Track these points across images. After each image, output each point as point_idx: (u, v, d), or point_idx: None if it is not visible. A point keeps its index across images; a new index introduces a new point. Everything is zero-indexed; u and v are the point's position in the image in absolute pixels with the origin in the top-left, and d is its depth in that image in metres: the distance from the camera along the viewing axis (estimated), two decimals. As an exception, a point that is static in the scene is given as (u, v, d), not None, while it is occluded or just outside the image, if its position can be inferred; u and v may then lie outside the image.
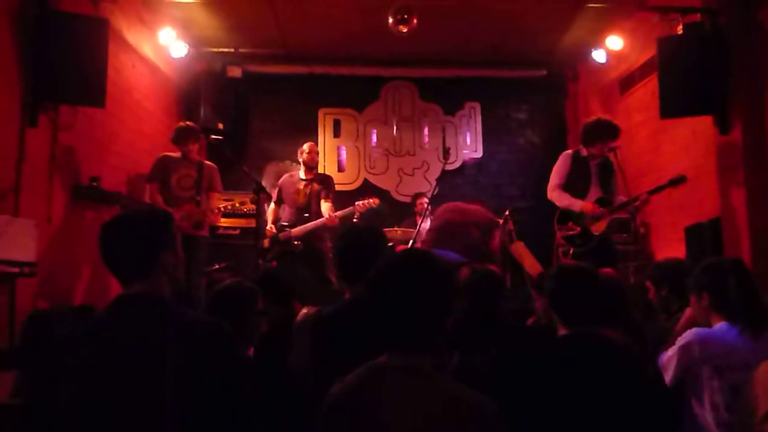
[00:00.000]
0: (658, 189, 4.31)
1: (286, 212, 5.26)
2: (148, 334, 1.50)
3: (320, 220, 5.04)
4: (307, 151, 5.30)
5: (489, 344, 2.32)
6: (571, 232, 4.44)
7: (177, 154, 4.82)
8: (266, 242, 5.17)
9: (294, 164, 6.94)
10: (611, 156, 4.51)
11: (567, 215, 4.51)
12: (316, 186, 5.23)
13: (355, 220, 5.22)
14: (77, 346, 1.54)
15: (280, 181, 5.46)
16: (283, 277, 3.00)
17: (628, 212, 4.75)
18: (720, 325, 2.27)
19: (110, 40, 4.33)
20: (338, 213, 5.07)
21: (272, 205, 5.36)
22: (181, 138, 4.79)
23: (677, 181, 4.23)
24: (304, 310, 2.54)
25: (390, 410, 1.32)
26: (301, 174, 5.30)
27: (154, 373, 1.44)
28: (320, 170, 6.89)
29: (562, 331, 2.05)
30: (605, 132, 4.45)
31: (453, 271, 1.51)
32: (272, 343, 2.52)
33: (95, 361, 1.49)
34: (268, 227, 5.24)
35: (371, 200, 5.22)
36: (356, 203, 5.19)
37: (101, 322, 1.63)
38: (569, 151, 4.71)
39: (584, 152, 4.54)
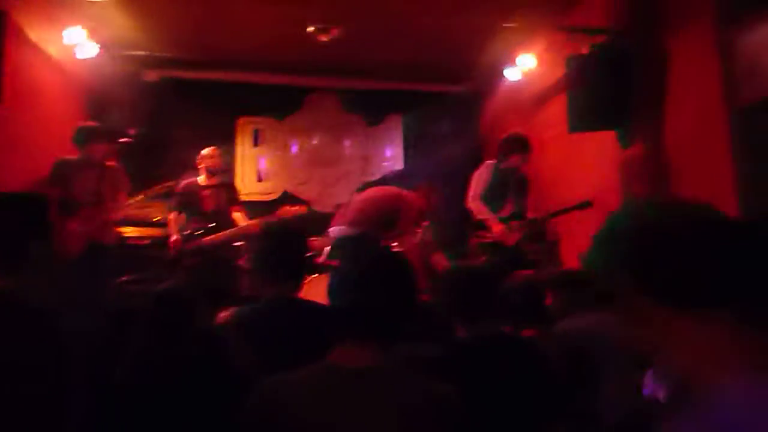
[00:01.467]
0: (563, 211, 4.66)
1: (190, 220, 5.05)
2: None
3: (239, 226, 4.89)
4: (209, 155, 5.14)
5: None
6: (485, 240, 4.66)
7: (76, 157, 4.54)
8: (172, 253, 4.96)
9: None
10: (524, 169, 4.73)
11: (482, 225, 4.76)
12: (223, 193, 5.08)
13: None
14: None
15: (179, 187, 5.22)
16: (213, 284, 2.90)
17: (537, 225, 4.99)
18: None
19: (11, 36, 4.08)
20: (262, 219, 4.93)
21: (173, 214, 5.12)
22: (82, 138, 4.51)
23: (582, 206, 4.62)
24: (220, 315, 2.45)
25: (345, 411, 1.30)
26: (201, 180, 5.13)
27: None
28: (238, 181, 6.78)
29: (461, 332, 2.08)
30: (520, 145, 4.79)
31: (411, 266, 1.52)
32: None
33: None
34: (173, 237, 5.00)
35: (299, 207, 5.14)
36: (283, 208, 5.10)
37: None
38: (490, 162, 4.95)
39: (502, 165, 4.80)
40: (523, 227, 4.71)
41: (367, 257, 1.48)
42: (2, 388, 1.27)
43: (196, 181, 5.18)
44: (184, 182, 5.27)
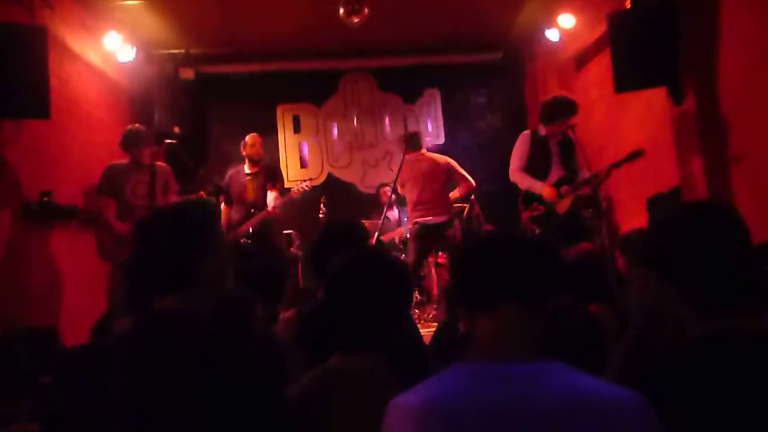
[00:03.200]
0: (618, 163, 4.31)
1: (235, 211, 5.07)
2: (175, 361, 1.29)
3: (261, 212, 4.91)
4: (250, 143, 5.14)
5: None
6: (536, 212, 4.47)
7: (126, 161, 4.63)
8: None
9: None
10: (570, 133, 4.50)
11: (531, 196, 4.53)
12: (262, 179, 5.08)
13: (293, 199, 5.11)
14: (92, 365, 1.40)
15: (225, 179, 5.24)
16: (274, 277, 2.90)
17: (590, 188, 4.77)
18: None
19: (52, 50, 4.16)
20: (276, 203, 4.94)
21: (222, 206, 5.14)
22: (129, 142, 4.58)
23: (635, 155, 4.22)
24: (284, 315, 2.47)
25: (345, 414, 1.28)
26: (246, 169, 5.15)
27: (178, 407, 1.27)
28: (282, 167, 6.83)
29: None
30: (563, 109, 4.45)
31: (400, 267, 1.47)
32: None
33: (116, 384, 1.32)
34: None
35: (305, 183, 5.13)
36: (292, 189, 5.11)
37: (124, 342, 1.41)
38: (527, 132, 4.71)
39: (543, 131, 4.54)
40: (574, 190, 4.46)
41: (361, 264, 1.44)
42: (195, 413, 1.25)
43: (241, 170, 5.19)
44: (228, 173, 5.31)
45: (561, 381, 1.05)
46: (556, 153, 4.50)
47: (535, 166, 4.53)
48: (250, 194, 5.04)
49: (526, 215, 4.56)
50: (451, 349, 2.06)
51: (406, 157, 5.09)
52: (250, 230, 4.93)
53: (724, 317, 1.21)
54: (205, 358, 1.28)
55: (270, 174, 5.17)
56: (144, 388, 1.28)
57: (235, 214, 5.07)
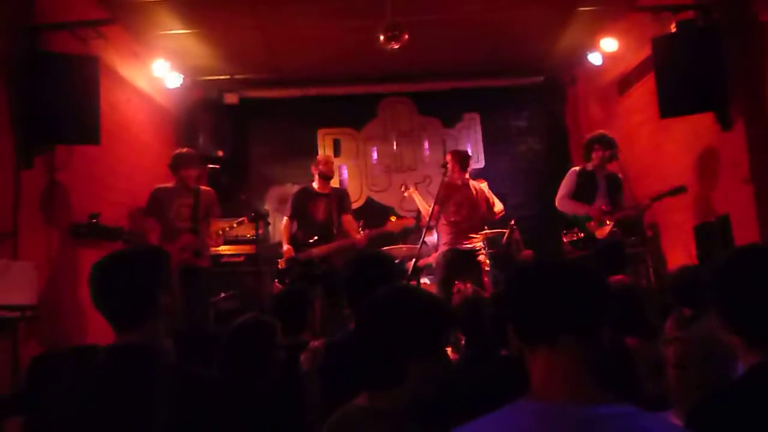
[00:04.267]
0: (659, 197, 4.62)
1: (304, 229, 5.03)
2: (138, 393, 1.40)
3: (348, 239, 4.88)
4: (323, 161, 5.18)
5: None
6: (575, 237, 4.71)
7: (171, 184, 4.76)
8: (282, 263, 4.96)
9: (296, 186, 6.96)
10: (616, 168, 4.86)
11: (573, 222, 4.78)
12: (335, 200, 5.07)
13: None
14: (65, 400, 1.48)
15: (293, 194, 5.24)
16: (295, 305, 2.94)
17: (634, 214, 4.81)
18: None
19: (103, 76, 4.33)
20: (370, 233, 4.90)
21: (284, 220, 5.14)
22: (178, 164, 4.71)
23: (677, 191, 4.55)
24: (314, 344, 2.47)
25: None
26: (316, 187, 5.14)
27: None
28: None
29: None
30: (597, 142, 4.86)
31: (436, 306, 1.44)
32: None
33: (84, 419, 1.41)
34: (285, 247, 4.99)
35: (407, 220, 5.12)
36: (390, 221, 5.09)
37: (91, 378, 1.52)
38: (576, 168, 5.01)
39: (589, 167, 4.88)
40: (615, 219, 4.62)
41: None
42: None
43: (309, 188, 5.18)
44: (298, 187, 5.31)
45: (634, 427, 1.01)
46: (603, 186, 4.82)
47: (580, 198, 4.82)
48: (322, 213, 5.02)
49: (567, 239, 4.78)
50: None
51: (447, 179, 5.11)
52: (327, 253, 4.88)
53: None
54: (164, 389, 1.35)
55: (342, 198, 5.16)
56: (104, 421, 1.34)
57: (303, 232, 5.03)
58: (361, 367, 1.39)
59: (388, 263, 2.27)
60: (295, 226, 5.11)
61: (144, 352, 1.47)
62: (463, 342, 3.01)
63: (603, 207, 4.72)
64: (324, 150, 7.18)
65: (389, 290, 1.49)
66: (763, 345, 1.35)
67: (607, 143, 4.82)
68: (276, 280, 4.98)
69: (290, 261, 4.93)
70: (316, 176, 5.16)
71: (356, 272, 2.21)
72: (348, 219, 5.05)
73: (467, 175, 5.21)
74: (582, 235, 4.73)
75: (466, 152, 5.60)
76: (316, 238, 4.93)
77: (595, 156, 4.81)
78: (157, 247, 2.34)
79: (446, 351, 1.55)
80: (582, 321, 1.10)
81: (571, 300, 1.10)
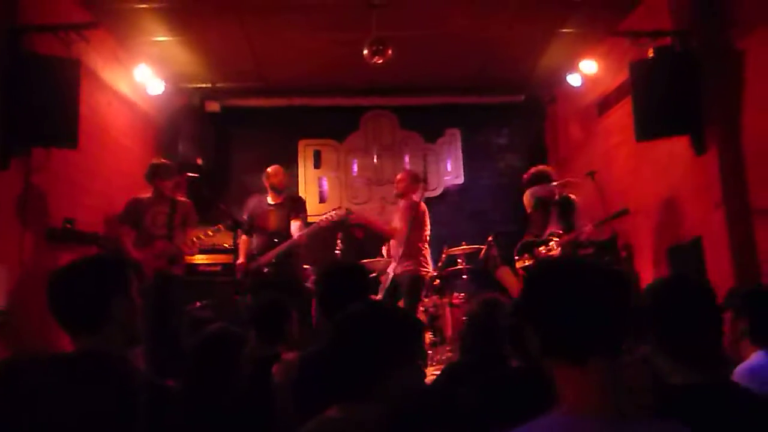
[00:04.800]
0: (603, 221, 4.85)
1: (256, 241, 5.12)
2: (92, 401, 1.40)
3: (288, 241, 4.94)
4: (273, 173, 5.25)
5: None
6: (527, 263, 4.97)
7: (148, 194, 4.76)
8: (238, 275, 5.03)
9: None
10: (592, 187, 5.08)
11: (524, 248, 5.07)
12: (286, 209, 5.12)
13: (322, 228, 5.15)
14: (20, 408, 1.46)
15: (248, 209, 5.32)
16: (272, 315, 2.91)
17: (608, 236, 4.99)
18: (757, 356, 2.12)
19: (85, 80, 4.30)
20: (304, 231, 4.97)
21: (243, 237, 5.20)
22: (153, 175, 4.74)
23: (620, 214, 4.82)
24: (286, 357, 2.45)
25: None
26: (269, 199, 5.22)
27: None
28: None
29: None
30: (541, 179, 5.21)
31: (408, 319, 1.47)
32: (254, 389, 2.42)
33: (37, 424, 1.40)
34: (239, 260, 5.08)
35: (334, 212, 5.17)
36: (321, 217, 5.15)
37: (44, 387, 1.50)
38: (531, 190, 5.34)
39: (540, 193, 5.23)
40: (561, 243, 4.90)
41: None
42: None
43: (263, 200, 5.26)
44: (252, 203, 5.37)
45: None
46: (554, 213, 5.11)
47: (535, 224, 5.20)
48: (273, 223, 5.08)
49: (518, 265, 5.08)
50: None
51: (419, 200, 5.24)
52: (273, 260, 4.94)
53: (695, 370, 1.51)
54: (121, 395, 1.35)
55: (293, 204, 5.22)
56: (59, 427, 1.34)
57: (256, 244, 5.11)
58: (335, 378, 1.40)
59: (360, 275, 2.28)
60: (252, 241, 5.20)
61: (99, 359, 1.48)
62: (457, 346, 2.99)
63: (556, 230, 5.00)
64: (305, 161, 7.19)
65: (363, 304, 1.51)
66: (686, 365, 1.54)
67: (545, 179, 5.19)
68: (236, 294, 5.01)
69: (243, 273, 5.04)
70: (268, 188, 5.25)
71: (329, 285, 2.22)
72: (296, 224, 5.07)
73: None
74: (532, 261, 4.93)
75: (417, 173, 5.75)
76: (263, 247, 5.03)
77: (540, 189, 5.14)
78: (120, 257, 2.32)
79: (418, 363, 1.56)
80: (614, 341, 1.10)
81: (603, 319, 1.08)
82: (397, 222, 5.35)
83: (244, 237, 5.22)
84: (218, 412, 2.02)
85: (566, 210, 5.03)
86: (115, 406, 1.36)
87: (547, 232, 4.97)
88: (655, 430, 1.04)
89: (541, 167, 5.42)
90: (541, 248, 4.92)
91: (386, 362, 1.37)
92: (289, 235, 5.05)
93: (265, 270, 4.96)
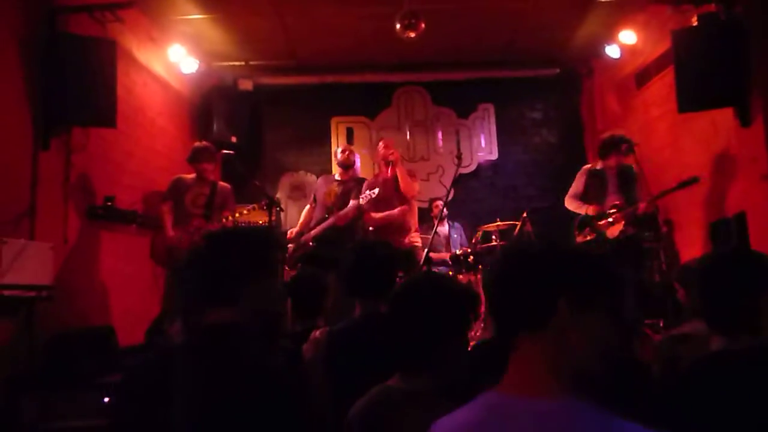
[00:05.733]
0: (668, 191, 4.59)
1: (315, 214, 5.10)
2: (230, 375, 1.34)
3: (328, 220, 4.91)
4: (340, 151, 5.23)
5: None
6: (588, 238, 4.70)
7: (192, 175, 4.85)
8: (290, 247, 5.02)
9: (309, 174, 6.96)
10: (632, 161, 4.75)
11: (585, 222, 4.78)
12: (348, 186, 5.06)
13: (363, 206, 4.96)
14: (157, 373, 1.42)
15: (317, 183, 5.37)
16: (309, 289, 2.90)
17: (650, 210, 4.75)
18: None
19: (120, 60, 4.36)
20: (342, 211, 4.85)
21: (306, 207, 5.25)
22: (196, 158, 4.82)
23: (689, 182, 4.37)
24: (315, 334, 2.46)
25: None
26: (336, 176, 5.22)
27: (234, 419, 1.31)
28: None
29: None
30: (617, 145, 4.77)
31: (467, 295, 1.46)
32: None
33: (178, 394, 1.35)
34: (290, 231, 5.14)
35: (371, 192, 5.10)
36: (358, 198, 5.09)
37: (186, 352, 1.44)
38: (586, 167, 5.05)
39: (599, 165, 4.87)
40: (624, 218, 4.59)
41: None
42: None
43: (332, 177, 5.28)
44: (321, 177, 5.43)
45: (580, 423, 0.99)
46: (613, 183, 4.79)
47: (591, 196, 4.86)
48: (331, 199, 5.03)
49: (579, 240, 4.77)
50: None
51: None
52: (320, 234, 4.89)
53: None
54: (256, 372, 1.31)
55: (358, 184, 5.14)
56: (201, 400, 1.31)
57: (314, 218, 5.10)
58: (394, 349, 1.42)
59: (387, 251, 2.27)
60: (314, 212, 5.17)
61: (233, 331, 1.42)
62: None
63: (597, 209, 4.74)
64: (337, 138, 7.18)
65: (421, 275, 1.52)
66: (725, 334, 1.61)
67: (627, 150, 4.76)
68: (286, 266, 5.02)
69: (294, 244, 5.02)
70: (337, 166, 5.25)
71: (355, 261, 2.22)
72: (352, 202, 5.03)
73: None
74: (594, 235, 4.72)
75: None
76: (318, 221, 4.98)
77: (611, 160, 4.78)
78: (274, 229, 2.14)
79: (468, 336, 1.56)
80: (530, 317, 1.07)
81: (514, 297, 1.08)
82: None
83: (307, 208, 5.25)
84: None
85: (627, 180, 4.82)
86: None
87: (608, 204, 4.76)
88: (563, 410, 1.00)
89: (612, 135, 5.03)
90: (602, 222, 4.74)
91: (444, 333, 1.38)
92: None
93: (311, 244, 4.96)
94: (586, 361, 1.04)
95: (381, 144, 5.33)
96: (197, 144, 4.99)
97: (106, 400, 3.20)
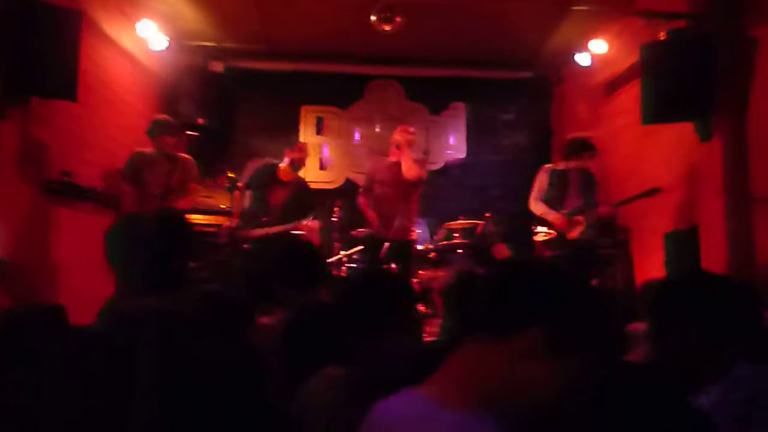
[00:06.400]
0: (629, 199, 4.58)
1: (255, 206, 4.99)
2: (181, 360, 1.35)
3: (290, 224, 4.83)
4: (300, 148, 5.13)
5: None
6: (548, 237, 4.74)
7: (151, 149, 4.72)
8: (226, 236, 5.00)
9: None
10: (591, 165, 4.83)
11: (546, 222, 4.83)
12: (294, 191, 5.04)
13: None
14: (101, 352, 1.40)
15: (256, 165, 5.20)
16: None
17: (608, 217, 4.87)
18: None
19: (89, 33, 4.25)
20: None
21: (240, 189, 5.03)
22: (155, 131, 4.68)
23: (649, 193, 4.58)
24: (264, 321, 2.44)
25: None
26: (282, 169, 5.06)
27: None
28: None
29: None
30: (575, 149, 4.87)
31: (402, 291, 1.49)
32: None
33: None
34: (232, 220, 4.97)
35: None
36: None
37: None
38: (547, 166, 5.06)
39: (561, 166, 4.92)
40: (585, 220, 4.67)
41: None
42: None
43: (276, 166, 5.08)
44: (263, 161, 5.22)
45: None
46: (575, 186, 4.84)
47: (553, 198, 4.86)
48: (278, 199, 4.95)
49: (538, 239, 4.82)
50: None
51: None
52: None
53: None
54: (196, 357, 1.31)
55: (304, 193, 5.06)
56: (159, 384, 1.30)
57: (255, 209, 4.97)
58: (329, 340, 1.44)
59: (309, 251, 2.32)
60: (248, 195, 5.02)
61: (173, 316, 1.40)
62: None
63: (563, 223, 4.73)
64: (306, 127, 7.13)
65: (365, 270, 1.55)
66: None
67: (588, 151, 4.85)
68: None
69: (235, 235, 4.94)
70: (287, 161, 5.04)
71: (279, 260, 2.26)
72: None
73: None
74: (554, 234, 4.78)
75: None
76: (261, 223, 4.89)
77: (575, 161, 4.81)
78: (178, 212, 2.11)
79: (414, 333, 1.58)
80: (498, 322, 1.04)
81: (497, 296, 1.07)
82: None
83: (244, 191, 5.08)
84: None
85: (588, 184, 4.87)
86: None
87: (569, 206, 4.80)
88: (465, 422, 0.99)
89: (577, 137, 5.13)
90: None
91: (375, 325, 1.40)
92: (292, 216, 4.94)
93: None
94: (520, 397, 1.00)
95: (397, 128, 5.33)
96: (157, 117, 4.86)
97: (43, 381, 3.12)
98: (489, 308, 1.05)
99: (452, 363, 1.06)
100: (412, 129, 5.30)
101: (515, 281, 1.05)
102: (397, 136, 5.04)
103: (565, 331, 0.99)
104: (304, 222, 4.83)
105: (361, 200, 5.20)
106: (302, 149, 5.15)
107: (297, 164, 5.09)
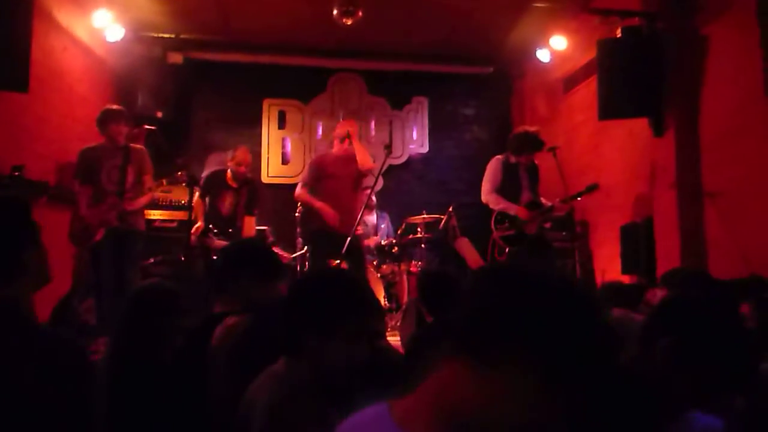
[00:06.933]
0: (574, 197, 4.71)
1: (209, 215, 4.95)
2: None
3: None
4: (242, 158, 4.90)
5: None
6: (507, 233, 4.73)
7: (101, 142, 4.51)
8: (193, 240, 4.89)
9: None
10: (554, 163, 4.88)
11: (504, 217, 4.81)
12: (243, 196, 4.93)
13: None
14: None
15: (207, 174, 5.17)
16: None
17: (564, 211, 4.94)
18: None
19: (38, 20, 4.08)
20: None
21: (196, 198, 4.96)
22: (105, 121, 4.41)
23: (589, 190, 4.64)
24: (229, 321, 2.39)
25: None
26: (229, 176, 4.95)
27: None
28: (263, 162, 6.79)
29: None
30: (531, 145, 4.84)
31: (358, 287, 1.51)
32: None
33: None
34: (198, 224, 4.88)
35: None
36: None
37: None
38: (499, 157, 4.99)
39: (512, 159, 4.89)
40: (541, 215, 4.74)
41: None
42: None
43: (225, 174, 4.94)
44: (212, 171, 5.15)
45: None
46: (525, 178, 4.86)
47: (506, 191, 4.83)
48: (227, 207, 4.86)
49: (497, 234, 4.78)
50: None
51: None
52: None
53: None
54: (23, 350, 1.28)
55: (252, 195, 4.95)
56: None
57: (209, 219, 4.87)
58: (285, 336, 1.44)
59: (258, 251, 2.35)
60: (206, 204, 4.97)
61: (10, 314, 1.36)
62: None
63: (527, 214, 4.72)
64: (268, 120, 7.05)
65: (320, 270, 1.55)
66: None
67: (537, 146, 4.84)
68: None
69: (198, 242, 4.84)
70: (231, 169, 4.89)
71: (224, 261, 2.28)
72: (249, 219, 4.92)
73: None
74: (513, 231, 4.77)
75: None
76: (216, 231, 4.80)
77: (526, 157, 4.82)
78: (15, 196, 1.99)
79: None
80: (483, 344, 0.87)
81: (490, 314, 0.88)
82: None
83: (198, 201, 4.98)
84: (152, 372, 2.00)
85: (535, 177, 4.88)
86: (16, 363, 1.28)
87: (523, 200, 4.79)
88: None
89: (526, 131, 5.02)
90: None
91: (318, 325, 1.40)
92: (239, 224, 4.98)
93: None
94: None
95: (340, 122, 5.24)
96: (106, 107, 4.58)
97: None
98: (470, 325, 0.87)
99: (428, 383, 0.92)
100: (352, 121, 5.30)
101: (503, 295, 0.86)
102: (346, 128, 4.83)
103: (562, 361, 0.81)
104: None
105: (302, 193, 4.89)
106: (239, 160, 4.89)
107: (239, 176, 4.90)
